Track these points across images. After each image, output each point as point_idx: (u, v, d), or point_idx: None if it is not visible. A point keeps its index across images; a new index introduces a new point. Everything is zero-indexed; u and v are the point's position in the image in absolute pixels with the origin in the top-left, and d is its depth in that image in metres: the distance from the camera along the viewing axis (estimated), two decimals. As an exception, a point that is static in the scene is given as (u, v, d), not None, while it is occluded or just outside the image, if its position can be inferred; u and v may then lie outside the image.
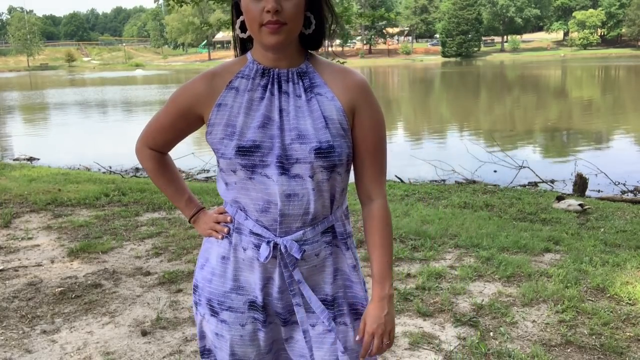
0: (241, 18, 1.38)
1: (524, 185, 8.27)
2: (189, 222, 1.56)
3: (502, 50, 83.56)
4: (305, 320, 1.42)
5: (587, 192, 7.56)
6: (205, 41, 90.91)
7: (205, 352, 1.54)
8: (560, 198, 6.21)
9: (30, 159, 11.40)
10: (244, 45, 1.45)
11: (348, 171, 1.42)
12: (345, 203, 1.46)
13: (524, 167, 8.93)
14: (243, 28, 1.40)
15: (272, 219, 1.36)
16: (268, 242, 1.36)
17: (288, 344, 1.49)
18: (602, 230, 5.08)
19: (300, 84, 1.37)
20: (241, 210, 1.40)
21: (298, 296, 1.41)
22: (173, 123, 1.47)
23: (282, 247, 1.35)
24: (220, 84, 1.39)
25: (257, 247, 1.38)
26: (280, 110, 1.35)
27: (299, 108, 1.36)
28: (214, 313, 1.45)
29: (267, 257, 1.35)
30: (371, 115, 1.39)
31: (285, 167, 1.32)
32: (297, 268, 1.38)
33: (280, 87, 1.37)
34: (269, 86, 1.37)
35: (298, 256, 1.36)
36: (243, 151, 1.33)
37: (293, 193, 1.33)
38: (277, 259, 1.37)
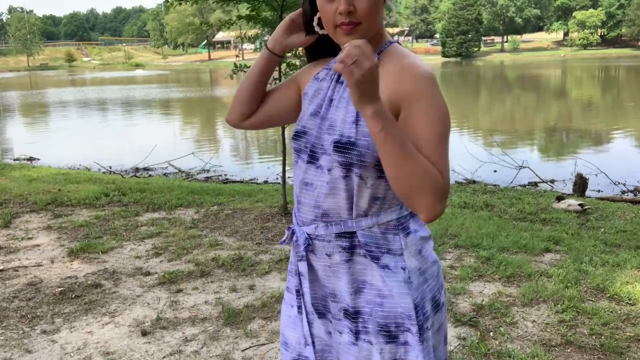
0: (318, 15, 1.37)
1: (524, 185, 8.27)
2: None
3: (502, 50, 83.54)
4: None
5: (587, 192, 7.56)
6: (205, 41, 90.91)
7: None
8: (560, 198, 6.21)
9: (30, 159, 11.40)
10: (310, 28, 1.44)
11: (381, 177, 1.29)
12: (387, 216, 1.33)
13: (524, 167, 8.93)
14: (321, 24, 1.38)
15: (296, 206, 1.41)
16: (288, 228, 1.42)
17: (332, 340, 1.44)
18: (602, 230, 5.08)
19: None
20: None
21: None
22: (282, 85, 1.52)
23: (296, 236, 1.39)
24: (313, 73, 1.46)
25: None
26: (331, 100, 1.37)
27: (342, 99, 1.34)
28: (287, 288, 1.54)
29: (283, 242, 1.42)
30: (425, 111, 1.23)
31: (315, 156, 1.34)
32: (304, 261, 1.38)
33: (339, 77, 1.38)
34: (335, 77, 1.39)
35: (302, 247, 1.36)
36: (296, 135, 1.39)
37: (310, 182, 1.35)
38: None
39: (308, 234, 1.36)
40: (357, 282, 1.35)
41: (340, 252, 1.34)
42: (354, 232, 1.33)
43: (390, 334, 1.33)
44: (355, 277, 1.35)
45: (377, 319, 1.33)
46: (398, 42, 1.38)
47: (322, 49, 1.47)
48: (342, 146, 1.27)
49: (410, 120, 1.23)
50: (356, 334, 1.35)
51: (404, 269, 1.32)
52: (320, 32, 1.38)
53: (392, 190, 1.31)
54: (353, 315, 1.35)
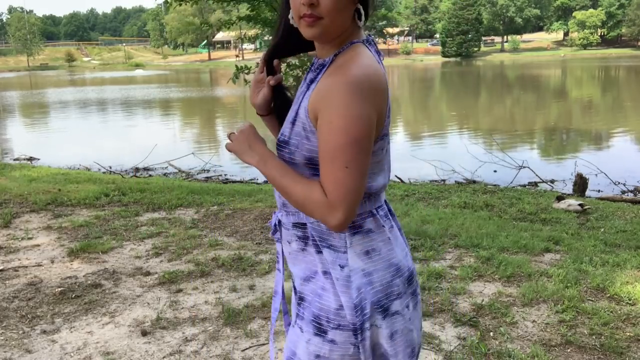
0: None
1: (524, 185, 8.28)
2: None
3: (502, 50, 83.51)
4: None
5: (587, 192, 7.57)
6: (205, 41, 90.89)
7: None
8: (560, 198, 6.21)
9: (30, 159, 11.40)
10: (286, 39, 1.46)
11: (315, 175, 1.32)
12: None
13: (524, 167, 8.94)
14: None
15: None
16: (274, 212, 1.49)
17: None
18: (602, 230, 5.08)
19: (312, 76, 1.38)
20: None
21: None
22: None
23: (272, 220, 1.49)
24: None
25: None
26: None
27: (296, 99, 1.41)
28: None
29: (270, 222, 1.50)
30: (328, 120, 1.23)
31: None
32: (279, 242, 1.47)
33: (306, 77, 1.43)
34: (306, 76, 1.43)
35: (271, 230, 1.47)
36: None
37: None
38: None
39: (279, 220, 1.45)
40: (309, 272, 1.39)
41: (296, 240, 1.40)
42: (305, 223, 1.38)
43: (321, 327, 1.33)
44: (309, 266, 1.39)
45: (313, 309, 1.36)
46: (367, 42, 1.34)
47: (282, 105, 1.49)
48: (279, 144, 1.37)
49: (318, 129, 1.27)
50: (296, 317, 1.41)
51: (342, 266, 1.32)
52: (295, 25, 1.37)
53: None
54: (299, 300, 1.42)
